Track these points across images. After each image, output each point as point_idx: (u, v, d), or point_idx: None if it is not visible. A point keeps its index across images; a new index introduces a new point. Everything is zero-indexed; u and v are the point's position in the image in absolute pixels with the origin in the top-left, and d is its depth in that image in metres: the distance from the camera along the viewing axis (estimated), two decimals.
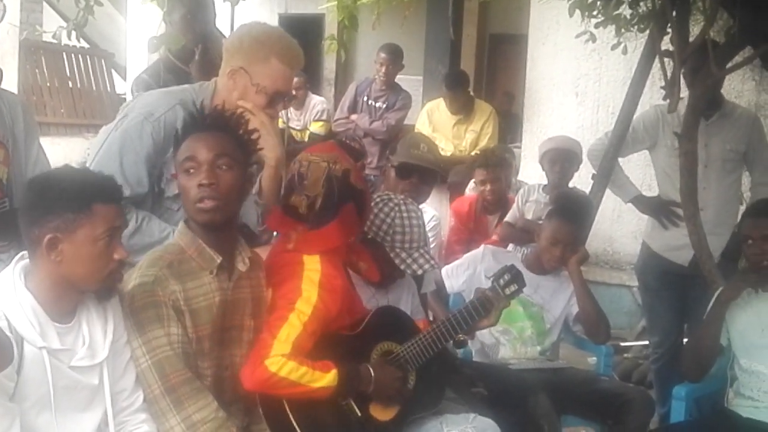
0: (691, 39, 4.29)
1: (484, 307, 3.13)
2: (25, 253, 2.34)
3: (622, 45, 4.82)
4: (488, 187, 5.59)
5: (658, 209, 4.63)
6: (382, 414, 2.84)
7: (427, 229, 4.74)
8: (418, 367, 2.95)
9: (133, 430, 2.44)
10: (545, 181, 5.42)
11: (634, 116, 4.75)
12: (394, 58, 7.21)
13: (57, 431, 2.28)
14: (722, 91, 4.65)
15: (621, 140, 4.71)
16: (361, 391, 2.76)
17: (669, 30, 4.30)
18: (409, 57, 7.66)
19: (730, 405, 3.66)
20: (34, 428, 2.26)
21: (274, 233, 3.12)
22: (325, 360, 2.67)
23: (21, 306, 2.26)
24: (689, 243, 4.27)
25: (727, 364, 3.71)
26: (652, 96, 5.33)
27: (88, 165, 2.92)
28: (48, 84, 12.06)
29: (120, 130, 2.94)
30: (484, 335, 3.97)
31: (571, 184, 5.35)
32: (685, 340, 4.59)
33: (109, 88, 12.77)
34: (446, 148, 6.90)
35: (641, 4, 4.63)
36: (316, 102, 7.86)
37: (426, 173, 4.12)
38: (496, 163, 5.61)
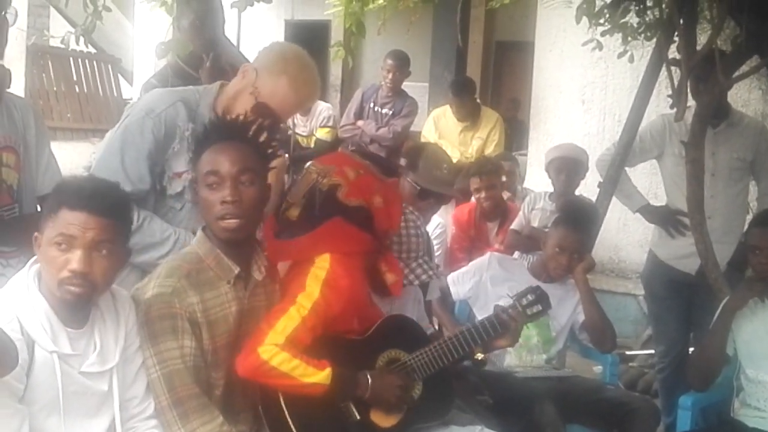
0: (698, 48, 4.28)
1: (502, 325, 3.08)
2: None
3: (629, 53, 4.83)
4: (483, 194, 5.61)
5: (666, 219, 4.62)
6: (383, 420, 2.83)
7: (433, 237, 4.77)
8: (426, 377, 2.94)
9: None
10: (551, 189, 5.43)
11: (641, 125, 4.75)
12: (401, 64, 7.22)
13: None
14: (729, 100, 4.65)
15: (628, 149, 4.71)
16: (357, 396, 2.76)
17: (676, 38, 4.30)
18: (415, 64, 7.67)
19: (736, 415, 3.66)
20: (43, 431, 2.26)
21: None
22: (325, 360, 2.67)
23: (34, 309, 2.26)
24: (696, 252, 4.27)
25: (734, 374, 3.70)
26: (659, 104, 5.32)
27: (92, 165, 2.92)
28: (55, 88, 12.12)
29: (122, 127, 2.94)
30: None
31: (577, 192, 5.35)
32: (691, 349, 4.58)
33: (115, 93, 12.82)
34: (452, 155, 6.87)
35: (648, 12, 4.63)
36: (323, 108, 7.85)
37: (444, 196, 4.13)
38: (491, 171, 5.63)
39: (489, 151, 6.93)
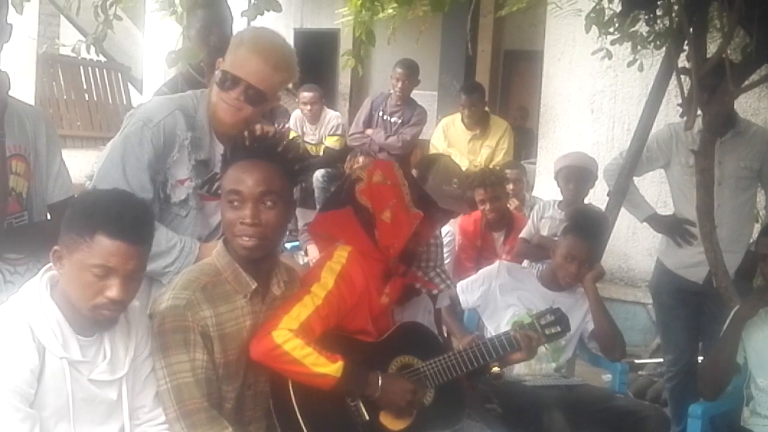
0: (708, 57, 4.28)
1: (519, 341, 3.13)
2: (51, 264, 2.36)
3: (638, 62, 4.83)
4: (488, 206, 5.60)
5: (673, 228, 4.61)
6: (392, 423, 2.85)
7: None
8: (439, 386, 2.95)
9: None
10: (560, 198, 5.42)
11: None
12: (410, 73, 7.23)
13: None
14: (738, 108, 4.64)
15: (637, 158, 4.70)
16: (367, 395, 2.77)
17: (686, 47, 4.30)
18: (424, 72, 7.69)
19: (745, 424, 3.65)
20: None
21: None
22: (338, 354, 2.69)
23: (45, 316, 2.28)
24: (704, 260, 4.26)
25: (743, 383, 3.69)
26: (668, 113, 5.32)
27: (94, 175, 2.93)
28: (65, 97, 12.15)
29: (121, 136, 2.94)
30: None
31: (586, 201, 5.35)
32: (700, 358, 4.57)
33: (125, 102, 12.84)
34: (461, 163, 6.89)
35: (658, 21, 4.64)
36: (331, 117, 7.88)
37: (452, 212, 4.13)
38: (494, 183, 5.62)
39: (498, 159, 6.92)
